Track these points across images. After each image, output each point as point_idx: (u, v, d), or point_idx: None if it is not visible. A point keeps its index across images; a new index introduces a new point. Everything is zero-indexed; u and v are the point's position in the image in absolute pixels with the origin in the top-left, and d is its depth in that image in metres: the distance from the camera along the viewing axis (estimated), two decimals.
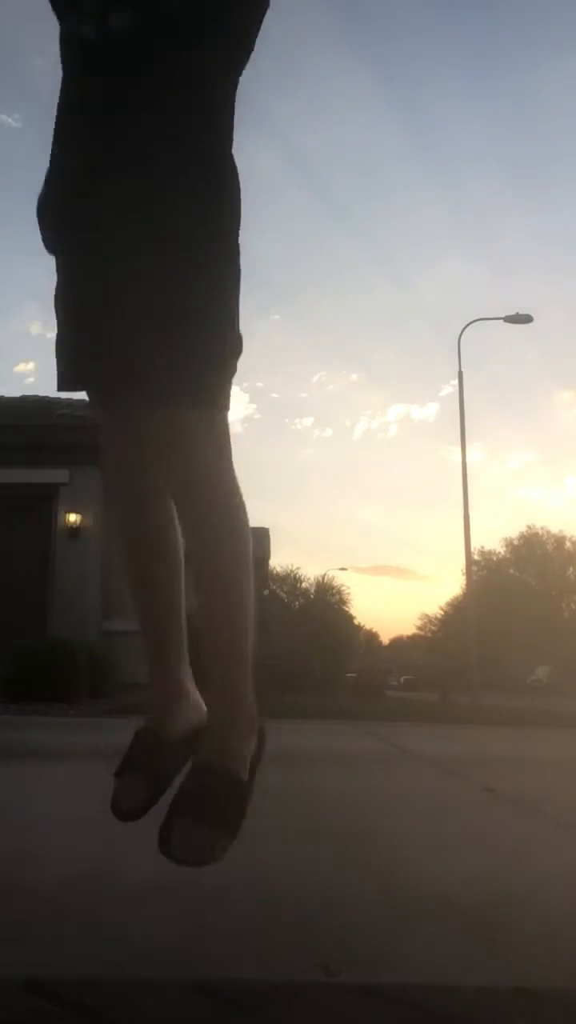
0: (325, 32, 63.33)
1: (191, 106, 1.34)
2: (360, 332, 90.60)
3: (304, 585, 49.79)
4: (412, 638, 70.81)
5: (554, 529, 58.93)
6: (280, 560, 64.68)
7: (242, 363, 1.39)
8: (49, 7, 1.43)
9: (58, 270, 1.37)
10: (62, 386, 1.35)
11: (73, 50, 1.37)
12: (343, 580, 68.00)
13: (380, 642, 76.45)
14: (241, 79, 1.43)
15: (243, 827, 1.34)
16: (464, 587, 22.57)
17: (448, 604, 57.28)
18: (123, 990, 1.09)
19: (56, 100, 1.49)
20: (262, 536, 26.53)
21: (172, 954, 1.23)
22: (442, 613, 59.68)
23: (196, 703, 1.44)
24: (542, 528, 58.91)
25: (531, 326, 17.47)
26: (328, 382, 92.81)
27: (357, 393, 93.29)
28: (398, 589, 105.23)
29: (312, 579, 49.15)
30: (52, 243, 1.38)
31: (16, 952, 1.22)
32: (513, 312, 17.12)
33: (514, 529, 72.29)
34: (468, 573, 17.73)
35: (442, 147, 74.77)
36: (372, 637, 72.24)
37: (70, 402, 13.93)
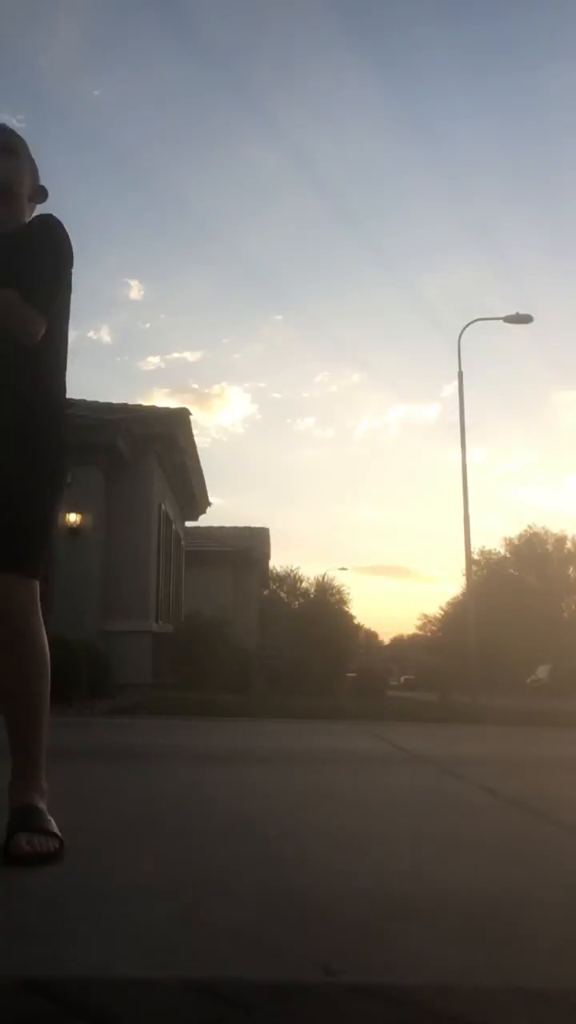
0: (329, 34, 63.31)
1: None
2: (362, 333, 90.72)
3: (304, 585, 49.73)
4: (412, 638, 70.85)
5: (554, 529, 58.96)
6: (280, 560, 64.71)
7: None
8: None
9: None
10: None
11: None
12: (343, 580, 68.03)
13: (380, 642, 76.52)
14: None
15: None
16: (464, 587, 22.57)
17: (448, 604, 57.29)
18: (123, 990, 1.09)
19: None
20: (262, 536, 26.53)
21: (172, 953, 1.23)
22: (442, 613, 59.67)
23: None
24: (542, 528, 58.91)
25: (531, 326, 17.49)
26: (330, 382, 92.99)
27: (358, 393, 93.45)
28: (398, 589, 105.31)
29: (312, 579, 49.10)
30: None
31: (16, 952, 1.22)
32: (513, 312, 17.13)
33: (514, 529, 72.42)
34: (468, 573, 17.71)
35: (443, 146, 74.72)
36: (372, 637, 72.26)
37: (71, 401, 13.92)
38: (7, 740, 1.95)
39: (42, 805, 1.89)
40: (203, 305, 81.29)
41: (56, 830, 1.83)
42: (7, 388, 2.01)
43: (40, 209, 2.23)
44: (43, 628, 1.98)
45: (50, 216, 2.14)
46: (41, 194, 2.25)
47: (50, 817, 1.87)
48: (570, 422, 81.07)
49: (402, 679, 47.43)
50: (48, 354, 2.09)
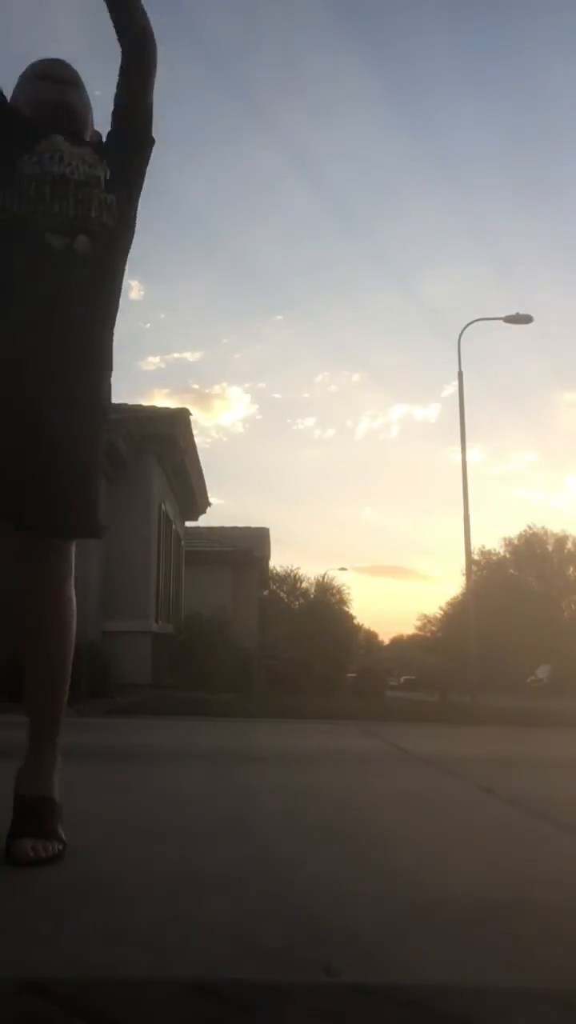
0: (330, 32, 63.31)
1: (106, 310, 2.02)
2: (362, 333, 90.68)
3: (304, 585, 49.75)
4: (412, 638, 70.83)
5: (554, 529, 58.98)
6: (280, 560, 64.71)
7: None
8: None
9: None
10: None
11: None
12: (343, 580, 68.03)
13: (380, 642, 76.48)
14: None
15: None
16: (464, 587, 22.57)
17: (448, 604, 57.31)
18: (123, 990, 1.09)
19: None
20: (262, 536, 26.51)
21: (172, 953, 1.23)
22: (442, 613, 59.68)
23: None
24: (542, 528, 58.93)
25: (531, 326, 17.49)
26: (330, 382, 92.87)
27: (359, 393, 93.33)
28: (398, 589, 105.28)
29: (312, 579, 49.14)
30: None
31: (16, 952, 1.23)
32: (513, 312, 17.13)
33: (514, 529, 72.47)
34: (468, 573, 17.72)
35: (443, 147, 74.73)
36: (372, 637, 72.23)
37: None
38: (27, 714, 1.90)
39: (57, 795, 1.85)
40: (203, 305, 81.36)
41: (62, 833, 1.80)
42: (83, 343, 1.93)
43: None
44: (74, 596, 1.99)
45: None
46: (98, 139, 2.17)
47: (61, 813, 1.83)
48: (570, 422, 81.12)
49: (402, 679, 47.42)
50: (112, 320, 2.04)
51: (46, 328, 1.87)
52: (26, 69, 2.11)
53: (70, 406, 1.87)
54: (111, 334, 2.02)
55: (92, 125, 2.15)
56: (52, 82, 2.07)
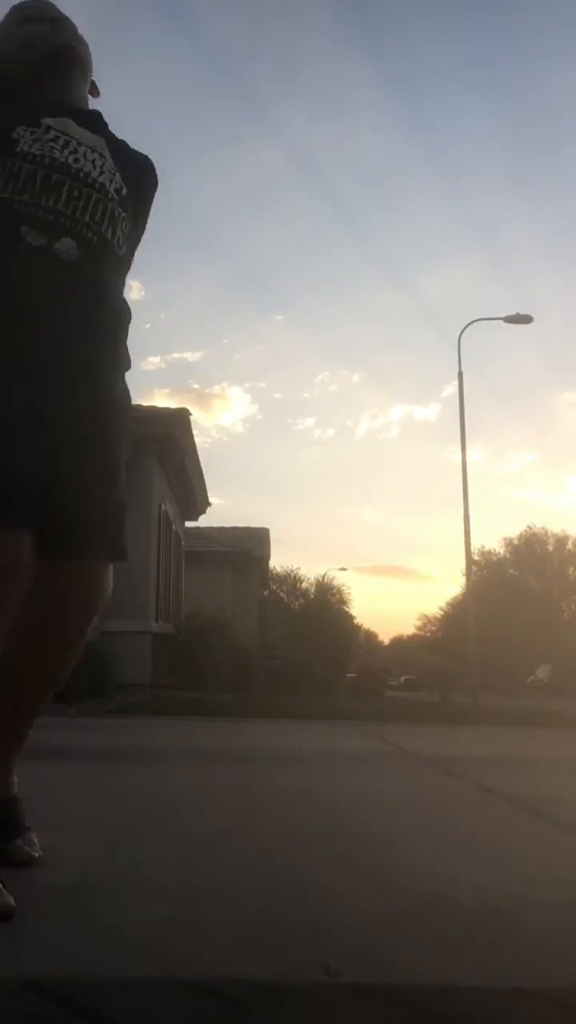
0: (329, 33, 63.32)
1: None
2: (362, 333, 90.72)
3: (304, 585, 49.69)
4: (412, 638, 70.81)
5: (554, 529, 59.01)
6: (280, 560, 64.72)
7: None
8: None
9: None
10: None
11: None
12: (343, 580, 68.03)
13: (380, 642, 76.50)
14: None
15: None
16: (464, 587, 22.56)
17: (448, 604, 57.32)
18: (123, 990, 1.09)
19: None
20: (262, 536, 26.51)
21: (172, 953, 1.23)
22: (442, 613, 59.69)
23: None
24: (542, 528, 58.96)
25: (531, 326, 17.49)
26: (330, 382, 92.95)
27: (359, 393, 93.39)
28: (398, 589, 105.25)
29: (312, 579, 49.08)
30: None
31: (16, 952, 1.22)
32: (513, 312, 17.13)
33: (514, 529, 72.52)
34: (468, 573, 17.71)
35: (443, 147, 74.74)
36: (372, 637, 72.23)
37: None
38: (6, 716, 1.79)
39: (17, 792, 1.82)
40: (203, 305, 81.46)
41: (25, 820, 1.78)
42: (114, 358, 1.87)
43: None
44: None
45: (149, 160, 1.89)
46: (95, 88, 1.90)
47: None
48: (570, 422, 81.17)
49: (402, 679, 47.37)
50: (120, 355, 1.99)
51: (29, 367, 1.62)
52: None
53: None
54: (120, 376, 1.91)
55: (92, 68, 1.87)
56: (43, 22, 1.79)
